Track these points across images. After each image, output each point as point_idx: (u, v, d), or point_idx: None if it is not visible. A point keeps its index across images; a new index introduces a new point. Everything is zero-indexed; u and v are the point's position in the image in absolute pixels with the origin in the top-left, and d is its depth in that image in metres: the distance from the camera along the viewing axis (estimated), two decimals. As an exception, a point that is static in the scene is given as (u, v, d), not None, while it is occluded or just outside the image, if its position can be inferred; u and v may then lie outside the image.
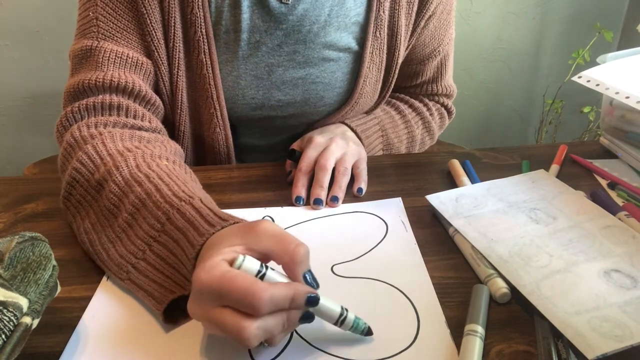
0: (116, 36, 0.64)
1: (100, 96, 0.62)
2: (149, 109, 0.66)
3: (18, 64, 1.53)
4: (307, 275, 0.40)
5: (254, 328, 0.35)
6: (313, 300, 0.38)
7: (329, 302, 0.40)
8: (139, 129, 0.62)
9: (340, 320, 0.40)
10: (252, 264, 0.38)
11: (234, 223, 0.43)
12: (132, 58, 0.64)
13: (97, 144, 0.55)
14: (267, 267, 0.38)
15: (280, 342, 0.41)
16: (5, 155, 1.68)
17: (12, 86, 1.56)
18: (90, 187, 0.53)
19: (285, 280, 0.39)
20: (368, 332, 0.41)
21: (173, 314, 0.44)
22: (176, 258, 0.44)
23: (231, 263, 0.38)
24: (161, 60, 0.67)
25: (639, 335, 0.39)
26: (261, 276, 0.38)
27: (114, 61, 0.63)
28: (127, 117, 0.62)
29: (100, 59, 0.63)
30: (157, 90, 0.69)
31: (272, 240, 0.39)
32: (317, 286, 0.40)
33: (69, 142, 0.57)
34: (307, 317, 0.39)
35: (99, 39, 0.64)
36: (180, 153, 0.63)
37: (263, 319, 0.36)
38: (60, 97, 0.65)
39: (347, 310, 0.40)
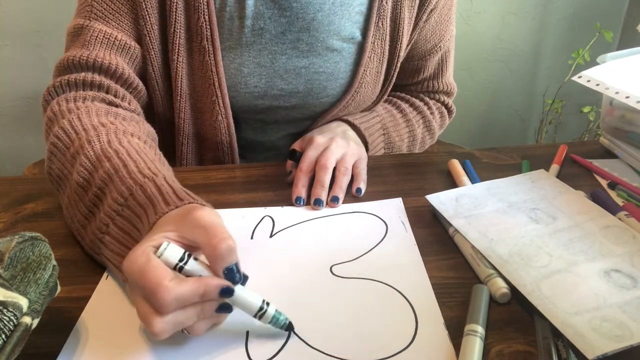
0: (108, 17, 0.66)
1: (83, 73, 0.64)
2: (131, 92, 0.68)
3: (18, 64, 1.53)
4: (228, 269, 0.39)
5: (161, 322, 0.37)
6: (227, 292, 0.39)
7: (249, 295, 0.40)
8: (117, 106, 0.63)
9: (259, 314, 0.41)
10: (173, 253, 0.38)
11: (189, 203, 0.44)
12: (119, 40, 0.66)
13: (72, 118, 0.57)
14: (189, 257, 0.39)
15: (205, 331, 0.41)
16: (5, 155, 1.68)
17: (12, 86, 1.56)
18: (66, 161, 0.54)
19: (206, 272, 0.39)
20: (288, 327, 0.42)
21: None
22: (139, 232, 0.45)
23: (155, 250, 0.38)
24: (152, 45, 0.68)
25: (639, 335, 0.39)
26: (180, 267, 0.38)
27: (101, 41, 0.65)
28: (106, 94, 0.64)
29: (88, 38, 0.65)
30: (145, 75, 0.70)
31: (200, 231, 0.39)
32: (239, 279, 0.40)
33: (49, 116, 0.60)
34: (224, 308, 0.40)
35: (91, 19, 0.66)
36: (153, 136, 0.64)
37: (171, 314, 0.37)
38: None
39: (268, 304, 0.41)
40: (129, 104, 0.65)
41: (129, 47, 0.66)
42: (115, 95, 0.64)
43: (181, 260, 0.39)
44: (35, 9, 1.47)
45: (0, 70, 1.53)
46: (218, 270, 0.39)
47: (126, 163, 0.50)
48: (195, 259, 0.40)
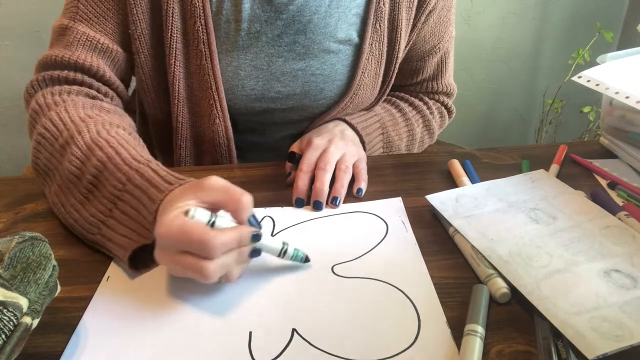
0: (92, 20, 0.67)
1: (65, 71, 0.66)
2: (113, 91, 0.70)
3: (18, 64, 1.53)
4: (251, 218, 0.46)
5: (212, 266, 0.42)
6: (257, 237, 0.45)
7: (271, 239, 0.49)
8: (100, 100, 0.66)
9: (282, 252, 0.49)
10: (203, 214, 0.44)
11: (188, 182, 0.49)
12: (102, 44, 0.67)
13: (60, 110, 0.59)
14: (216, 216, 0.45)
15: (238, 279, 0.47)
16: (5, 155, 1.68)
17: (12, 86, 1.56)
18: (55, 152, 0.57)
19: (232, 224, 0.45)
20: (306, 259, 0.50)
21: (140, 262, 0.50)
22: (138, 213, 0.50)
23: (186, 214, 0.43)
24: (142, 49, 0.69)
25: (639, 335, 0.39)
26: (211, 223, 0.44)
27: (84, 44, 0.66)
28: (89, 89, 0.66)
29: (71, 40, 0.66)
30: (127, 79, 0.73)
31: (219, 192, 0.46)
32: (260, 227, 0.48)
33: (34, 109, 0.62)
34: (255, 252, 0.47)
35: (75, 20, 0.67)
36: (134, 127, 0.66)
37: (218, 259, 0.43)
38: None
39: (287, 244, 0.49)
40: (111, 99, 0.68)
41: (111, 51, 0.68)
42: (98, 91, 0.67)
43: (209, 219, 0.44)
44: (35, 9, 1.47)
45: (0, 70, 1.53)
46: (244, 219, 0.46)
47: (118, 151, 0.53)
48: (220, 217, 0.45)
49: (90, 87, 0.66)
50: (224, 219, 0.45)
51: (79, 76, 0.66)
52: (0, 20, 1.47)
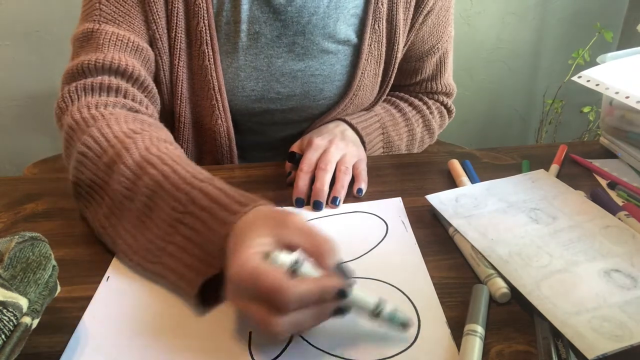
0: (118, 20, 0.64)
1: (99, 77, 0.61)
2: (146, 95, 0.66)
3: (18, 64, 1.53)
4: (339, 265, 0.40)
5: (281, 323, 0.36)
6: (342, 294, 0.38)
7: (363, 294, 0.39)
8: (137, 111, 0.61)
9: (376, 312, 0.40)
10: (285, 259, 0.38)
11: (261, 204, 0.44)
12: (133, 42, 0.64)
13: (101, 126, 0.54)
14: (301, 262, 0.39)
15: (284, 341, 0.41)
16: (5, 155, 1.68)
17: (12, 86, 1.56)
18: (100, 171, 0.52)
19: (316, 273, 0.39)
20: (406, 324, 0.41)
21: (203, 296, 0.44)
22: (202, 238, 0.44)
23: (266, 256, 0.38)
24: (164, 49, 0.67)
25: (639, 335, 0.39)
26: (294, 270, 0.38)
27: (115, 43, 0.63)
28: (125, 98, 0.61)
29: (101, 41, 0.63)
30: (156, 80, 0.69)
31: (301, 235, 0.40)
32: (350, 278, 0.40)
33: (71, 126, 0.56)
34: (340, 312, 0.39)
35: (101, 22, 0.64)
36: (174, 141, 0.61)
37: (292, 314, 0.37)
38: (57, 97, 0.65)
39: (384, 303, 0.40)
40: (147, 108, 0.63)
41: (142, 49, 0.65)
42: (133, 100, 0.62)
43: (292, 265, 0.38)
44: (35, 9, 1.47)
45: (0, 70, 1.53)
46: (328, 268, 0.39)
47: (174, 168, 0.48)
48: (306, 261, 0.40)
49: (126, 95, 0.61)
50: (311, 266, 0.39)
51: (114, 81, 0.61)
52: (0, 20, 1.47)
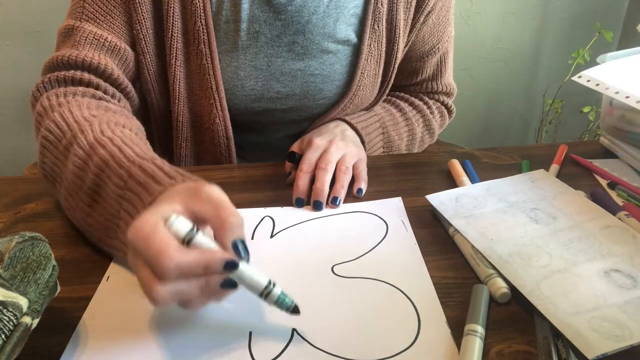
0: (99, 19, 0.66)
1: (72, 71, 0.63)
2: (120, 92, 0.67)
3: (18, 64, 1.53)
4: (235, 242, 0.39)
5: (162, 290, 0.36)
6: (231, 266, 0.38)
7: (255, 272, 0.40)
8: (107, 102, 0.63)
9: (265, 293, 0.40)
10: (182, 225, 0.38)
11: (191, 180, 0.45)
12: (110, 42, 0.66)
13: (63, 111, 0.57)
14: (197, 231, 0.39)
15: (202, 307, 0.41)
16: (5, 155, 1.68)
17: (12, 86, 1.56)
18: (59, 153, 0.54)
19: (213, 246, 0.39)
20: (294, 309, 0.41)
21: None
22: (141, 211, 0.44)
23: (165, 221, 0.38)
24: (147, 49, 0.68)
25: (639, 335, 0.39)
26: (188, 240, 0.38)
27: (91, 42, 0.65)
28: (96, 90, 0.63)
29: (78, 39, 0.65)
30: (138, 79, 0.71)
31: (209, 206, 0.40)
32: (245, 255, 0.40)
33: (39, 112, 0.59)
34: (228, 284, 0.39)
35: (82, 20, 0.66)
36: (142, 129, 0.63)
37: (174, 283, 0.37)
38: None
39: (274, 284, 0.40)
40: (119, 101, 0.65)
41: (119, 49, 0.66)
42: (105, 92, 0.64)
43: (189, 233, 0.38)
44: (35, 9, 1.47)
45: (0, 70, 1.53)
46: (226, 242, 0.39)
47: (121, 148, 0.50)
48: (204, 233, 0.39)
49: (97, 87, 0.64)
50: (205, 237, 0.39)
51: (86, 76, 0.63)
52: (0, 21, 1.47)
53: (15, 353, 0.34)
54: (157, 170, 0.46)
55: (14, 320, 0.34)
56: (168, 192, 0.43)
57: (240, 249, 0.39)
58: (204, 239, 0.39)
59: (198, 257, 0.37)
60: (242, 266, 0.39)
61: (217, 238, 0.40)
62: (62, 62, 0.64)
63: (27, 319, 0.35)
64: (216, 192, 0.41)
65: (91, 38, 0.65)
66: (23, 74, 1.55)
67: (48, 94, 0.61)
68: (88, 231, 0.52)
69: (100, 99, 0.63)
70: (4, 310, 0.34)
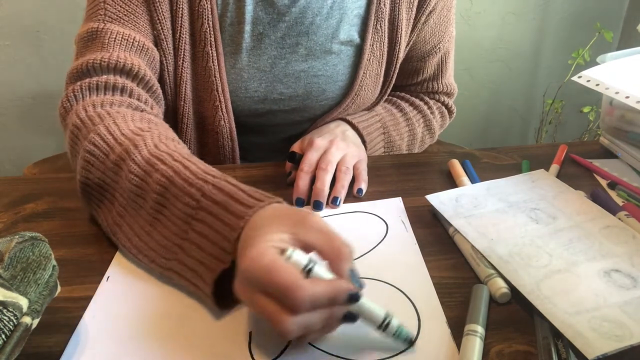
0: (123, 19, 0.63)
1: (105, 76, 0.60)
2: (151, 95, 0.65)
3: (18, 64, 1.53)
4: (353, 271, 0.39)
5: (292, 322, 0.36)
6: (354, 298, 0.38)
7: (372, 304, 0.39)
8: (143, 111, 0.60)
9: (383, 325, 0.39)
10: (300, 258, 0.38)
11: (276, 202, 0.43)
12: (138, 41, 0.63)
13: (109, 124, 0.53)
14: (314, 262, 0.38)
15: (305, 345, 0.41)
16: (5, 155, 1.68)
17: (12, 86, 1.56)
18: (108, 170, 0.51)
19: (330, 276, 0.39)
20: (411, 340, 0.41)
21: (219, 294, 0.43)
22: (217, 233, 0.43)
23: (281, 252, 0.38)
24: (168, 50, 0.67)
25: (639, 335, 0.39)
26: (308, 270, 0.38)
27: (120, 43, 0.62)
28: (131, 98, 0.61)
29: (106, 40, 0.62)
30: (161, 80, 0.68)
31: (320, 236, 0.39)
32: (362, 286, 0.40)
33: (76, 125, 0.55)
34: (350, 317, 0.39)
35: (106, 22, 0.63)
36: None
37: (303, 315, 0.36)
38: (61, 97, 0.64)
39: (391, 316, 0.40)
40: (152, 108, 0.62)
41: (147, 49, 0.65)
42: (139, 99, 0.61)
43: (306, 265, 0.38)
44: (35, 9, 1.46)
45: (0, 70, 1.53)
46: (343, 272, 0.39)
47: (185, 164, 0.47)
48: (319, 264, 0.39)
49: (131, 94, 0.61)
50: (323, 269, 0.39)
51: (120, 80, 0.60)
52: (0, 20, 1.47)
53: (15, 353, 0.34)
54: (236, 190, 0.44)
55: (14, 321, 0.34)
56: (263, 217, 0.41)
57: (357, 277, 0.40)
58: (322, 270, 0.39)
59: (328, 287, 0.37)
60: (363, 298, 0.39)
61: (333, 268, 0.39)
62: (92, 66, 0.60)
63: (27, 319, 0.35)
64: (321, 220, 0.41)
65: (120, 39, 0.62)
66: (23, 74, 1.55)
67: (83, 104, 0.57)
68: (141, 251, 0.48)
69: (136, 108, 0.60)
70: (4, 311, 0.34)
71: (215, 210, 0.43)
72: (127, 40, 0.63)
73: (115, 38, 0.62)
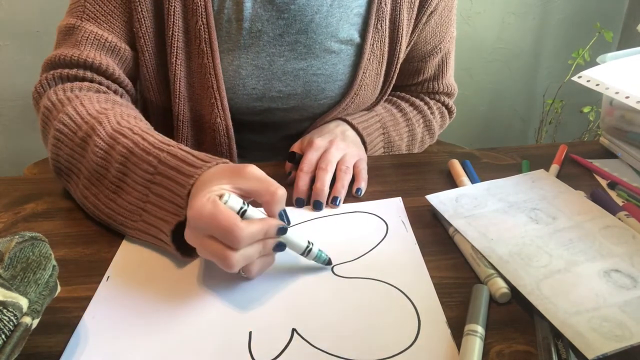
0: (100, 19, 0.67)
1: (75, 69, 0.66)
2: (122, 89, 0.69)
3: (18, 64, 1.53)
4: (281, 212, 0.47)
5: (235, 256, 0.43)
6: (283, 230, 0.46)
7: (297, 236, 0.48)
8: (107, 93, 0.65)
9: (306, 251, 0.48)
10: (236, 201, 0.44)
11: (223, 162, 0.49)
12: (110, 42, 0.67)
13: (76, 105, 0.59)
14: (248, 205, 0.45)
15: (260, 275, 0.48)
16: (5, 155, 1.68)
17: (12, 86, 1.56)
18: (75, 146, 0.56)
19: (262, 215, 0.46)
20: (328, 262, 0.50)
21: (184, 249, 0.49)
22: (171, 193, 0.49)
23: (220, 198, 0.44)
24: (146, 47, 0.69)
25: (639, 335, 0.39)
26: (242, 212, 0.45)
27: (92, 42, 0.66)
28: (100, 85, 0.66)
29: (79, 38, 0.66)
30: (137, 77, 0.72)
31: (256, 182, 0.46)
32: (289, 222, 0.49)
33: (47, 106, 0.61)
34: (279, 246, 0.47)
35: (83, 19, 0.67)
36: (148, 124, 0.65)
37: (243, 249, 0.43)
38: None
39: (312, 244, 0.48)
40: (121, 96, 0.68)
41: (119, 49, 0.68)
42: (108, 88, 0.67)
43: (241, 207, 0.45)
44: (35, 9, 1.46)
45: (0, 70, 1.53)
46: (275, 213, 0.47)
47: (143, 137, 0.53)
48: (251, 206, 0.46)
49: (100, 84, 0.66)
50: (254, 209, 0.46)
51: (89, 74, 0.65)
52: (0, 21, 1.47)
53: (15, 353, 0.34)
54: (188, 155, 0.50)
55: (14, 321, 0.34)
56: (209, 174, 0.47)
57: (286, 216, 0.49)
58: (255, 211, 0.46)
59: (261, 225, 0.44)
60: (289, 230, 0.47)
61: (267, 209, 0.47)
62: (63, 60, 0.65)
63: (27, 319, 0.35)
64: (256, 169, 0.47)
65: (92, 38, 0.66)
66: (23, 74, 1.55)
67: (54, 89, 0.63)
68: (110, 217, 0.54)
69: (105, 93, 0.65)
70: (4, 311, 0.34)
71: (170, 174, 0.49)
72: (99, 40, 0.67)
73: (87, 37, 0.66)
